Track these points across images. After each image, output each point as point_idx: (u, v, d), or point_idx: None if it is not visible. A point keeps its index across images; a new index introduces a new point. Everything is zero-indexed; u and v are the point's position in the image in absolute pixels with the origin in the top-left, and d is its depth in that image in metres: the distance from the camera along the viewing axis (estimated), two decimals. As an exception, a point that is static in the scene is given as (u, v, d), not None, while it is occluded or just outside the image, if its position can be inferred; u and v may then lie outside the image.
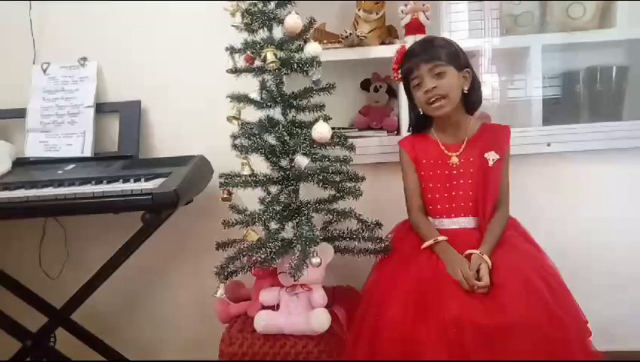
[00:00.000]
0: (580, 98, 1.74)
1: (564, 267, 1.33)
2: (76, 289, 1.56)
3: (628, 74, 1.69)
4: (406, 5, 1.63)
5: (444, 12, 1.73)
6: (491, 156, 1.38)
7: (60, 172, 1.57)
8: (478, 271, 1.23)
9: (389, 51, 1.65)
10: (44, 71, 1.75)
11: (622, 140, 1.63)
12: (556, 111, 1.74)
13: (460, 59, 1.38)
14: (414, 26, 1.63)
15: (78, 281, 1.56)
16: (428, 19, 1.63)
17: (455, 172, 1.41)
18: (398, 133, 1.71)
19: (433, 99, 1.35)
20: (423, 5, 1.62)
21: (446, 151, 1.42)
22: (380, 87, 1.79)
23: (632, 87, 1.71)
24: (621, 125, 1.64)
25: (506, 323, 1.12)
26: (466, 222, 1.40)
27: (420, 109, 1.42)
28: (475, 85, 1.41)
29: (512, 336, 1.11)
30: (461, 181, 1.40)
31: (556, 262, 1.34)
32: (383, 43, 1.69)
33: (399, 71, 1.44)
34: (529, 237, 1.41)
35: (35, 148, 1.72)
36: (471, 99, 1.42)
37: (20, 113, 1.73)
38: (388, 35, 1.72)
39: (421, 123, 1.47)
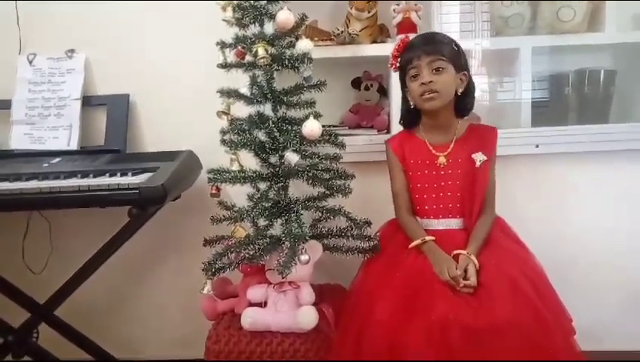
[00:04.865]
0: (568, 100, 1.76)
1: (550, 267, 1.34)
2: (60, 284, 1.54)
3: (615, 77, 1.71)
4: (398, 4, 1.63)
5: (436, 12, 1.72)
6: (479, 157, 1.38)
7: (45, 165, 1.54)
8: (465, 272, 1.24)
9: (380, 50, 1.66)
10: (30, 62, 1.72)
11: (608, 143, 1.65)
12: (545, 113, 1.75)
13: (460, 60, 1.37)
14: (406, 26, 1.63)
15: (62, 276, 1.54)
16: (420, 18, 1.63)
17: (443, 172, 1.40)
18: (389, 132, 1.71)
19: (427, 93, 1.34)
20: (415, 5, 1.63)
21: (434, 151, 1.42)
22: (371, 85, 1.78)
23: (619, 90, 1.73)
24: (608, 128, 1.67)
25: (493, 323, 1.13)
26: (454, 223, 1.40)
27: (412, 102, 1.41)
28: (469, 90, 1.40)
29: (499, 336, 1.12)
30: (449, 182, 1.40)
31: (542, 262, 1.35)
32: (374, 42, 1.68)
33: (399, 59, 1.41)
34: (516, 237, 1.42)
35: (19, 140, 1.69)
36: (463, 103, 1.40)
37: (5, 105, 1.70)
38: (379, 33, 1.72)
39: (412, 117, 1.46)
